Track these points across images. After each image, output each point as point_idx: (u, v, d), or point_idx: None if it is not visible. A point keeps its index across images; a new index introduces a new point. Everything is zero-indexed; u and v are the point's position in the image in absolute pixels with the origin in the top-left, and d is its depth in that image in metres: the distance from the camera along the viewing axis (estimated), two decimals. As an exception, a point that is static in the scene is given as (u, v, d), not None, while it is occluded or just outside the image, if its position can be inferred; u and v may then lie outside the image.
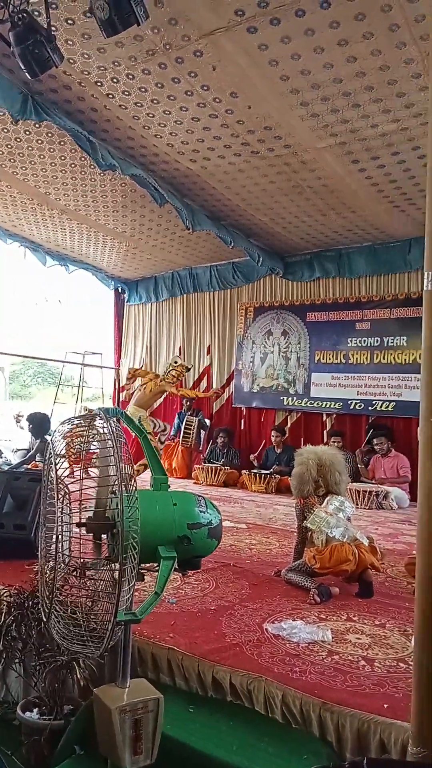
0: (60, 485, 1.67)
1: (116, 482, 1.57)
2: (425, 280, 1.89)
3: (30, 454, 7.39)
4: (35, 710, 2.57)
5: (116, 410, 1.82)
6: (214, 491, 7.89)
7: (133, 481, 1.61)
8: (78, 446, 1.82)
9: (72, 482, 1.83)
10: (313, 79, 4.35)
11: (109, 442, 1.61)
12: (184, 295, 10.31)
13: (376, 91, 4.46)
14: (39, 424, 7.48)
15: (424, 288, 1.89)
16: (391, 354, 8.16)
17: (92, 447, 1.84)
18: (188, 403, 9.67)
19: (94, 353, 11.41)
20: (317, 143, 5.32)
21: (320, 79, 4.35)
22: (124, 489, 1.55)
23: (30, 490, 4.18)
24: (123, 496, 1.55)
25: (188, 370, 8.49)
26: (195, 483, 8.78)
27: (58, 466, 1.75)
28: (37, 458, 7.16)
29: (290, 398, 9.08)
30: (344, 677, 2.48)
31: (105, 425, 1.67)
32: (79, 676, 2.51)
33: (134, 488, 1.60)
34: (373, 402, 8.25)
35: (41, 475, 1.99)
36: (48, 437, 7.14)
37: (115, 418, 1.76)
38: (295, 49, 4.05)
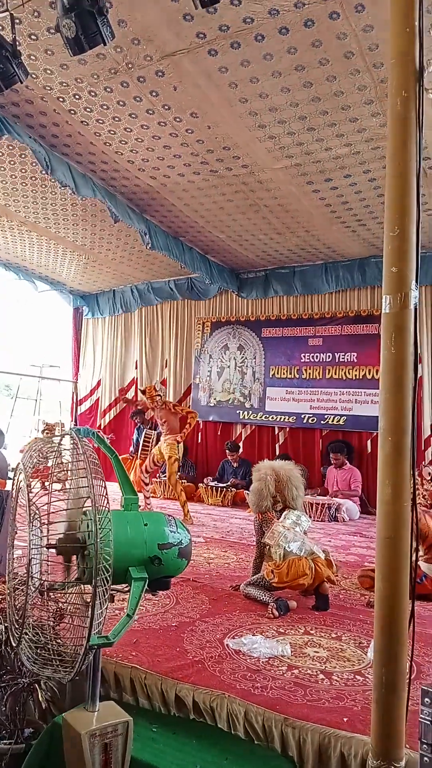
0: (32, 507, 1.66)
1: (88, 503, 1.58)
2: (384, 303, 1.96)
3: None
4: (-6, 734, 2.52)
5: (88, 430, 1.82)
6: (171, 504, 7.86)
7: (105, 501, 1.61)
8: (48, 465, 1.81)
9: (42, 505, 1.81)
10: (270, 102, 4.47)
11: (81, 462, 1.62)
12: (143, 308, 10.30)
13: (330, 115, 4.61)
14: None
15: (383, 311, 1.97)
16: (342, 369, 8.36)
17: (64, 467, 1.83)
18: (140, 420, 9.64)
19: (51, 366, 11.25)
20: (274, 164, 5.44)
21: (278, 102, 4.46)
22: (96, 510, 1.56)
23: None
24: (95, 517, 1.55)
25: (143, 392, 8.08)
26: (152, 496, 8.71)
27: (29, 487, 1.73)
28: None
29: (246, 412, 9.16)
30: (304, 691, 2.52)
31: (77, 445, 1.67)
32: (41, 698, 2.47)
33: (107, 509, 1.60)
34: (325, 416, 8.41)
35: (5, 495, 1.97)
36: (3, 451, 6.99)
37: (86, 438, 1.76)
38: (254, 73, 4.15)
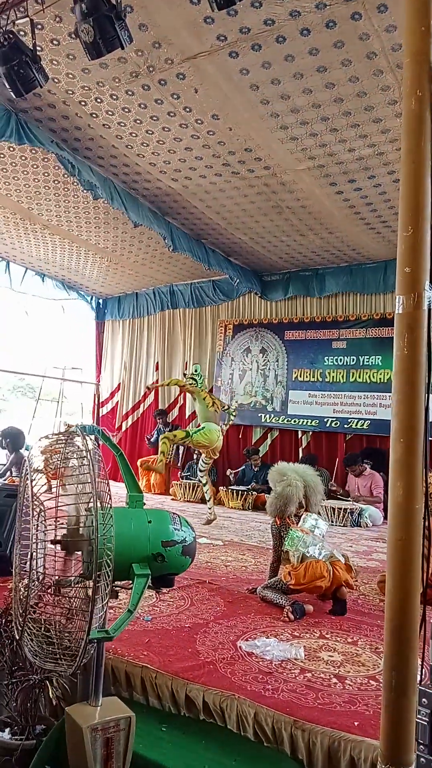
0: (35, 502, 1.68)
1: (91, 499, 1.59)
2: (396, 304, 1.94)
3: (5, 468, 7.32)
4: (6, 730, 2.54)
5: (94, 428, 1.83)
6: (191, 507, 7.87)
7: (108, 498, 1.62)
8: (55, 462, 1.83)
9: (48, 499, 1.83)
10: (292, 103, 4.46)
11: (85, 459, 1.63)
12: (165, 312, 10.35)
13: (353, 116, 4.58)
14: (14, 439, 7.42)
15: (396, 311, 1.94)
16: (367, 373, 8.28)
17: (70, 464, 1.85)
18: (162, 421, 9.69)
19: (74, 368, 11.37)
20: (296, 165, 5.43)
21: (299, 103, 4.45)
22: (99, 506, 1.57)
23: (6, 506, 4.14)
24: (98, 513, 1.56)
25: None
26: (173, 499, 8.75)
27: (34, 483, 1.76)
28: (13, 472, 7.09)
29: (268, 415, 9.13)
30: (316, 695, 2.49)
31: (82, 442, 1.69)
32: (51, 695, 2.48)
33: (109, 505, 1.61)
34: (349, 420, 8.34)
35: (17, 491, 1.99)
36: (24, 452, 7.08)
37: (92, 436, 1.78)
38: (275, 74, 4.15)
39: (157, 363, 10.38)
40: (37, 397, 10.79)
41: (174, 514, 1.98)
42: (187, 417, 9.81)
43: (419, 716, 1.41)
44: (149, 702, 2.62)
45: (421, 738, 1.40)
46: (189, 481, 8.82)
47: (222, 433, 7.01)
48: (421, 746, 1.40)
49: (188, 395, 9.00)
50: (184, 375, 8.09)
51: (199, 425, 6.87)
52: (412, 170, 1.91)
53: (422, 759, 1.39)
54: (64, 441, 1.84)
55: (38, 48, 3.78)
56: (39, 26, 3.75)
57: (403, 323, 1.93)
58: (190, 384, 6.93)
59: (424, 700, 1.42)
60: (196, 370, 7.15)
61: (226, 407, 7.52)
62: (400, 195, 1.99)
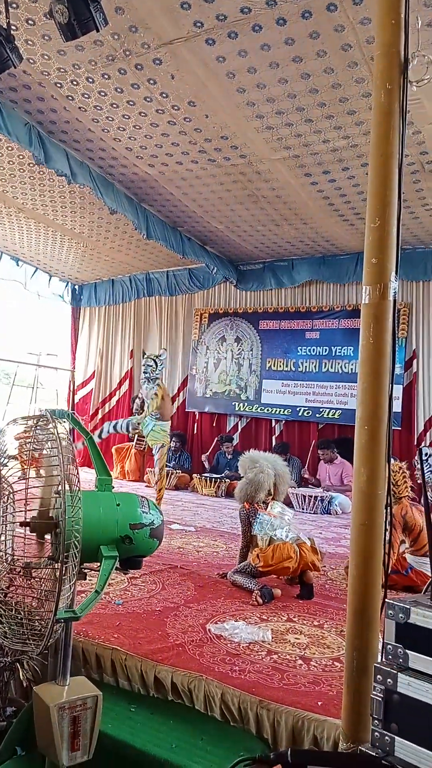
0: (4, 484, 1.69)
1: (60, 482, 1.61)
2: (363, 294, 1.99)
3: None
4: (-24, 712, 2.56)
5: (63, 412, 1.85)
6: (165, 494, 7.90)
7: (77, 481, 1.64)
8: (29, 448, 1.85)
9: (15, 481, 1.85)
10: (268, 93, 4.46)
11: (52, 442, 1.65)
12: (141, 299, 10.31)
13: (328, 107, 4.60)
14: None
15: (363, 302, 1.99)
16: (339, 363, 8.38)
17: (43, 449, 1.86)
18: (139, 404, 9.67)
19: (49, 354, 11.26)
20: (271, 155, 5.44)
21: (275, 93, 4.46)
22: (68, 489, 1.59)
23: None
24: (66, 496, 1.58)
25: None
26: (147, 486, 8.78)
27: (4, 467, 1.77)
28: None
29: (242, 404, 9.19)
30: (282, 676, 2.56)
31: (51, 426, 1.71)
32: (22, 677, 2.51)
33: (77, 488, 1.63)
34: (321, 410, 8.44)
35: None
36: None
37: (62, 420, 1.80)
38: (251, 63, 4.15)
39: (132, 351, 10.36)
40: (12, 382, 10.68)
41: (142, 497, 2.02)
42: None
43: (374, 692, 1.47)
44: (119, 683, 2.67)
45: (376, 713, 1.46)
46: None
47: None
48: (376, 721, 1.45)
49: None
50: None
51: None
52: (381, 163, 1.96)
53: (376, 733, 1.44)
54: (33, 426, 1.86)
55: (13, 27, 3.73)
56: (14, 5, 3.69)
57: (369, 313, 1.99)
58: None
59: (378, 676, 1.47)
60: (159, 355, 7.15)
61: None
62: (368, 187, 2.03)
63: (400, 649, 1.49)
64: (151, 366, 6.60)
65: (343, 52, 3.97)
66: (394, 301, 1.96)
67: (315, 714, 2.25)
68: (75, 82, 4.53)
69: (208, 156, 5.57)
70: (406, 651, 1.48)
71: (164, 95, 4.61)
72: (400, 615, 1.52)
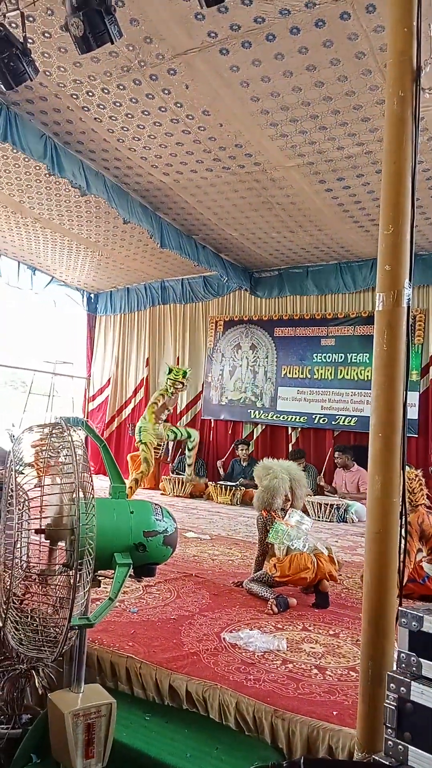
0: (20, 492, 1.71)
1: (74, 490, 1.62)
2: (377, 301, 1.98)
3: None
4: (-8, 719, 2.57)
5: (77, 419, 1.86)
6: (180, 502, 7.92)
7: (91, 488, 1.65)
8: (45, 456, 1.86)
9: (31, 489, 1.86)
10: (282, 101, 4.48)
11: (69, 450, 1.66)
12: (156, 307, 10.35)
13: (342, 115, 4.61)
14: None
15: (376, 308, 1.98)
16: (355, 370, 8.34)
17: (59, 456, 1.87)
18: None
19: (65, 362, 11.35)
20: (286, 162, 5.46)
21: (289, 101, 4.48)
22: (81, 496, 1.60)
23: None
24: (80, 504, 1.59)
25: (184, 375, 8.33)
26: (162, 494, 8.80)
27: (21, 474, 1.78)
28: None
29: (257, 411, 9.18)
30: (296, 685, 2.54)
31: (65, 434, 1.72)
32: (37, 684, 2.52)
33: (92, 496, 1.64)
34: (337, 417, 8.40)
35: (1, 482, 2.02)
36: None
37: (77, 427, 1.81)
38: (265, 72, 4.17)
39: (148, 358, 10.40)
40: (28, 391, 10.77)
41: (156, 505, 2.02)
42: (179, 411, 9.84)
43: (387, 701, 1.46)
44: (134, 692, 2.66)
45: (389, 722, 1.44)
46: (179, 476, 8.86)
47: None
48: (389, 729, 1.44)
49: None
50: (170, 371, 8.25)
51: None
52: (394, 170, 1.95)
53: (389, 742, 1.43)
54: (49, 433, 1.87)
55: (30, 40, 3.79)
56: (30, 18, 3.74)
57: (383, 320, 1.98)
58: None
59: (392, 685, 1.46)
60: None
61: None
62: (381, 194, 2.03)
63: (413, 658, 1.48)
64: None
65: (356, 60, 3.98)
66: (408, 308, 1.95)
67: (330, 724, 2.24)
68: (91, 93, 4.59)
69: (222, 164, 5.60)
70: (420, 659, 1.46)
71: (179, 105, 4.65)
72: (413, 623, 1.51)
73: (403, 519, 1.96)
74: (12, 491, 1.69)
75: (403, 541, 1.95)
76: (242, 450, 8.85)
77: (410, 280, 1.96)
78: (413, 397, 7.66)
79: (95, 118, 4.96)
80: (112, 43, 3.15)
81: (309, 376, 8.73)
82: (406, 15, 1.98)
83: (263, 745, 2.29)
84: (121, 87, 4.47)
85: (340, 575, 4.16)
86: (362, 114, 4.57)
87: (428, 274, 7.56)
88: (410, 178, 1.95)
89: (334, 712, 2.31)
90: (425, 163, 5.22)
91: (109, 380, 10.89)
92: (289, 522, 3.98)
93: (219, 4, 2.90)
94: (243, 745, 2.31)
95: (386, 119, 1.99)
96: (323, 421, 8.52)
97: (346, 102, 4.44)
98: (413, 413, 7.63)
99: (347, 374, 8.38)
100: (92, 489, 1.69)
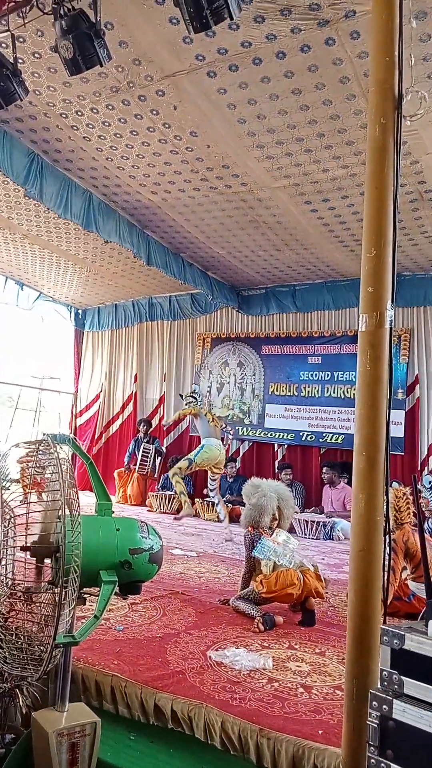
0: (5, 509, 1.71)
1: (60, 507, 1.62)
2: (360, 322, 2.02)
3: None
4: (-25, 739, 2.54)
5: (64, 436, 1.87)
6: (166, 519, 7.89)
7: (77, 506, 1.66)
8: (32, 472, 1.87)
9: (17, 505, 1.87)
10: (268, 123, 4.56)
11: (53, 467, 1.67)
12: (144, 323, 10.39)
13: (326, 138, 4.70)
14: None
15: (359, 329, 2.02)
16: (341, 388, 8.40)
17: (45, 473, 1.88)
18: (145, 429, 9.73)
19: (52, 378, 11.32)
20: (272, 183, 5.54)
21: (275, 124, 4.56)
22: (68, 513, 1.61)
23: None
24: (66, 521, 1.60)
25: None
26: (149, 510, 8.76)
27: (7, 491, 1.78)
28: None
29: (245, 428, 9.20)
30: (282, 704, 2.54)
31: (51, 451, 1.73)
32: (22, 703, 2.49)
33: (78, 513, 1.65)
34: (324, 434, 8.44)
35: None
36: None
37: (62, 445, 1.82)
38: (251, 95, 4.25)
39: (136, 375, 10.41)
40: (15, 406, 10.72)
41: (142, 522, 2.03)
42: (165, 429, 9.83)
43: (370, 719, 1.47)
44: (119, 711, 2.64)
45: (372, 740, 1.45)
46: (165, 492, 8.83)
47: (223, 445, 7.40)
48: (372, 747, 1.45)
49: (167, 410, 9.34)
50: (181, 396, 8.44)
51: (199, 444, 7.30)
52: (376, 195, 2.00)
53: (372, 760, 1.44)
54: (35, 450, 1.88)
55: (20, 60, 3.84)
56: (21, 39, 3.80)
57: (365, 341, 2.02)
58: (194, 406, 7.68)
59: (374, 703, 1.47)
60: (194, 390, 7.52)
61: (223, 425, 8.05)
62: (364, 219, 2.07)
63: (395, 676, 1.49)
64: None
65: (341, 84, 4.07)
66: (390, 329, 1.99)
67: (316, 743, 2.23)
68: (80, 113, 4.64)
69: (209, 184, 5.67)
70: (402, 677, 1.48)
71: (167, 125, 4.72)
72: (395, 641, 1.52)
73: (388, 537, 1.98)
74: (-2, 509, 1.70)
75: (387, 558, 1.97)
76: (229, 467, 8.85)
77: (392, 301, 2.00)
78: (399, 416, 7.73)
79: (84, 137, 5.01)
80: (102, 65, 3.21)
81: (296, 393, 8.78)
82: (388, 44, 2.05)
83: (249, 765, 2.28)
84: (110, 107, 4.53)
85: (327, 593, 4.17)
86: (347, 137, 4.66)
87: (414, 294, 7.67)
88: (392, 203, 2.00)
89: (320, 731, 2.31)
90: (408, 186, 5.32)
91: (97, 396, 10.87)
92: (277, 540, 4.00)
93: (207, 30, 2.96)
94: (228, 764, 2.30)
95: (368, 146, 2.05)
96: (310, 438, 8.56)
97: (330, 125, 4.53)
98: (399, 431, 7.69)
99: (334, 392, 8.44)
100: (78, 506, 1.70)
